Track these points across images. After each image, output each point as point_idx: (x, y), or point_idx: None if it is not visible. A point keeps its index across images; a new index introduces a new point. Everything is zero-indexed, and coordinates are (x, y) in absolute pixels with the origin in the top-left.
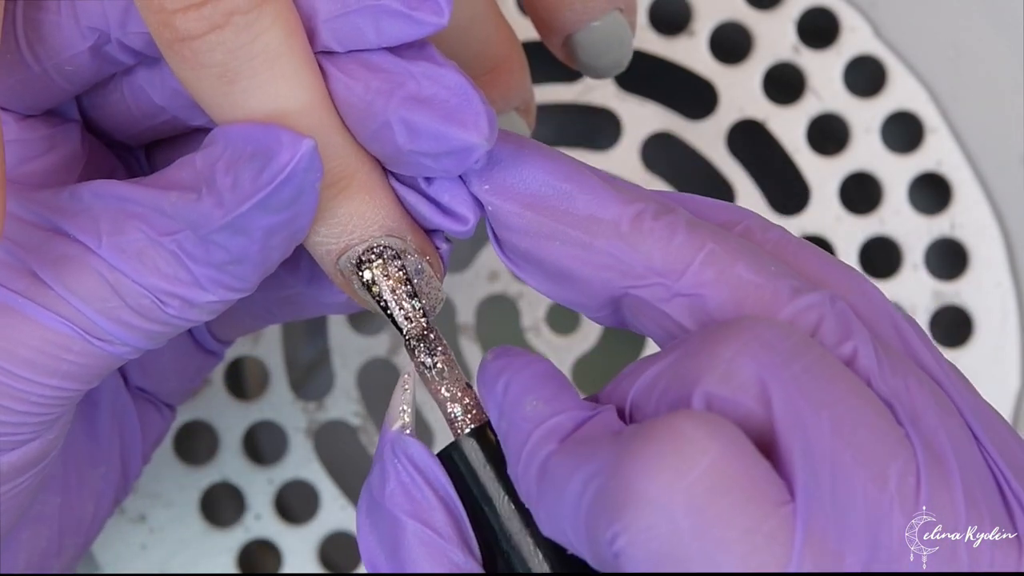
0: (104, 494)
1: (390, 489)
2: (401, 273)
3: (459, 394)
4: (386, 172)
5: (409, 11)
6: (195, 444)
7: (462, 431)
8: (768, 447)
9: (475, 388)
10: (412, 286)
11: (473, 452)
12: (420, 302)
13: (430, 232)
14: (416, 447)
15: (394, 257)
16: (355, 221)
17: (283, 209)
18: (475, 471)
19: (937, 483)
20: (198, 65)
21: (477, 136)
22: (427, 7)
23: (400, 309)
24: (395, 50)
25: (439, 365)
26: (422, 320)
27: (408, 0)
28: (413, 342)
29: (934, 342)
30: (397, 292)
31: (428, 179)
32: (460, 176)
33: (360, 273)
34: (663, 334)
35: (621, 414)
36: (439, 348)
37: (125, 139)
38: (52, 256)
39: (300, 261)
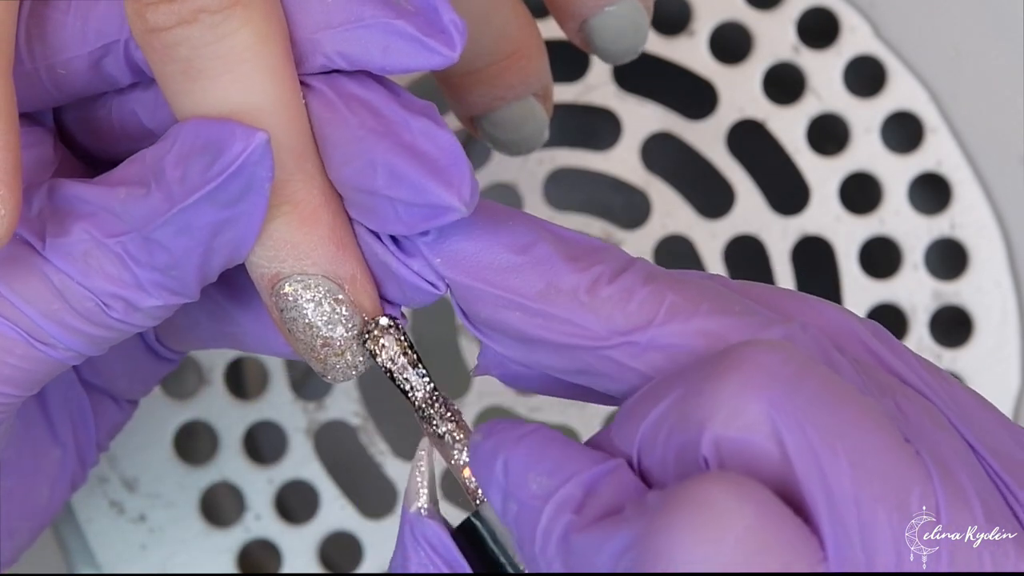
0: (60, 479)
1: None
2: (402, 342)
3: None
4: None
5: (422, 37)
6: (195, 444)
7: (481, 499)
8: (787, 487)
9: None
10: (416, 354)
11: (495, 520)
12: (424, 369)
13: (391, 303)
14: (434, 529)
15: (392, 327)
16: (287, 250)
17: (231, 204)
18: (499, 539)
19: (956, 502)
20: (167, 58)
21: (457, 199)
22: (441, 38)
23: (404, 379)
24: (400, 100)
25: (451, 433)
26: (429, 388)
27: (423, 27)
28: (422, 411)
29: (929, 340)
30: (398, 362)
31: (398, 246)
32: (412, 249)
33: (364, 345)
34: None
35: (629, 460)
36: (449, 414)
37: (99, 155)
38: None
39: (252, 301)
